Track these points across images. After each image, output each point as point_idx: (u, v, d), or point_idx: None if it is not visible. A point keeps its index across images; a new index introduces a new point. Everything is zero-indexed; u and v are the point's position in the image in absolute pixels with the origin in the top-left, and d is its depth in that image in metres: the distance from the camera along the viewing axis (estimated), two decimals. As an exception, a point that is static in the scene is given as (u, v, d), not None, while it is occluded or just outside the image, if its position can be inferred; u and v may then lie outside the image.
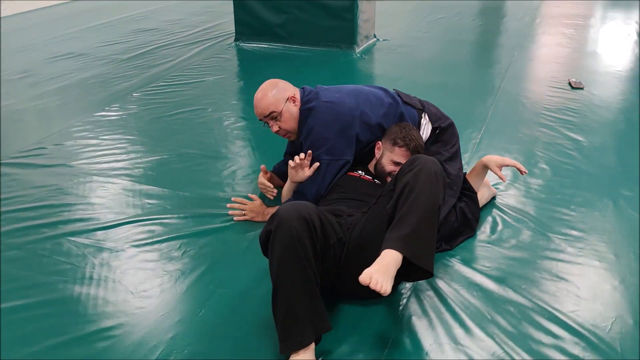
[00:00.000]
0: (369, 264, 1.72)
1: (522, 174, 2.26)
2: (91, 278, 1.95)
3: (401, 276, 1.63)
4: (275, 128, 2.27)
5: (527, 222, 2.27)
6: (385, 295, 1.50)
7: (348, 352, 1.65)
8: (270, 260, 1.64)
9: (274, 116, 2.24)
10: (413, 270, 1.63)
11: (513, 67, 4.29)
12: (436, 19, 5.73)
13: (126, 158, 2.84)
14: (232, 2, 4.84)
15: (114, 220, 2.29)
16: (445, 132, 2.33)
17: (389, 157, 2.19)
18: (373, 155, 2.29)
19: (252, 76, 4.18)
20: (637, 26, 5.54)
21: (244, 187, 2.57)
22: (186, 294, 1.90)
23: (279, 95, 2.23)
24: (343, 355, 1.64)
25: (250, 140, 3.08)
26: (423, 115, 2.33)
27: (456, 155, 2.33)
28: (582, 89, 3.74)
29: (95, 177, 2.65)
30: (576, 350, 1.63)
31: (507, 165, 2.26)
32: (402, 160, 2.14)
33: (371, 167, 2.29)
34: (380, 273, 1.53)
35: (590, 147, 2.91)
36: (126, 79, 4.04)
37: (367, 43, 4.84)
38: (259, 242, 1.76)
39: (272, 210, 2.31)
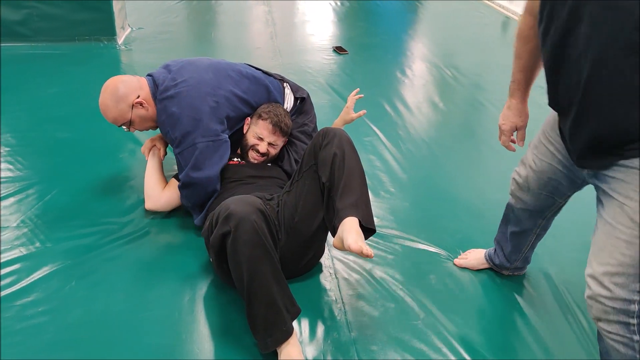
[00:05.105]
0: (306, 239, 1.84)
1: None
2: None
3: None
4: (132, 130, 2.20)
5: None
6: (372, 257, 1.55)
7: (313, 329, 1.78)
8: (236, 261, 1.58)
9: (126, 125, 2.17)
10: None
11: (277, 42, 4.67)
12: (175, 5, 5.69)
13: None
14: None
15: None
16: (305, 103, 2.42)
17: (253, 130, 2.22)
18: (241, 141, 2.28)
19: (9, 86, 3.52)
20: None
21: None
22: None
23: (121, 105, 2.10)
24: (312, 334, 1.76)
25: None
26: (285, 85, 2.39)
27: (317, 125, 2.45)
28: (347, 53, 4.35)
29: None
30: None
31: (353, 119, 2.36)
32: (264, 134, 2.19)
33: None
34: (361, 239, 1.57)
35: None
36: None
37: (125, 33, 4.59)
38: (208, 247, 1.75)
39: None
